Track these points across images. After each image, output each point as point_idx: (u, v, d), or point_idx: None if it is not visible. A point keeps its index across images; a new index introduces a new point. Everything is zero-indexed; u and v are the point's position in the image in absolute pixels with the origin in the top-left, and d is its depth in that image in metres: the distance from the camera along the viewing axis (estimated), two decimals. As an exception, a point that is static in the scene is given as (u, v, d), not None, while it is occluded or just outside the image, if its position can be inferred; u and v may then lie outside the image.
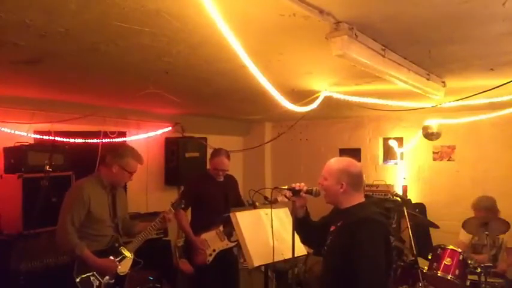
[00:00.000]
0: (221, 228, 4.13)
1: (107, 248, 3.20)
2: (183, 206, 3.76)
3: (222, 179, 4.28)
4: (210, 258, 4.06)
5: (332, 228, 2.39)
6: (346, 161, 2.46)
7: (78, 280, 3.00)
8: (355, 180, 2.35)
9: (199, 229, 4.12)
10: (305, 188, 2.53)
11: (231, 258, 4.35)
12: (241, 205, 4.41)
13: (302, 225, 2.60)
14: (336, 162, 2.44)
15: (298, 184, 2.55)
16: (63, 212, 3.08)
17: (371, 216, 2.28)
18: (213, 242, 4.10)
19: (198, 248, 4.04)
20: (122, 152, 3.28)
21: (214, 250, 4.08)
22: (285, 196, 2.60)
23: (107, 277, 3.15)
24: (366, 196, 2.46)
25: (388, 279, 2.30)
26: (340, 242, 2.27)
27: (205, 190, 4.17)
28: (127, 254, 3.29)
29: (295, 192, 2.54)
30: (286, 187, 2.59)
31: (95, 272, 3.08)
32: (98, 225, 3.15)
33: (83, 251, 3.01)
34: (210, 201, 4.14)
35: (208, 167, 4.42)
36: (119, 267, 3.24)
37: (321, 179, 2.42)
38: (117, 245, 3.26)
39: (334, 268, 2.28)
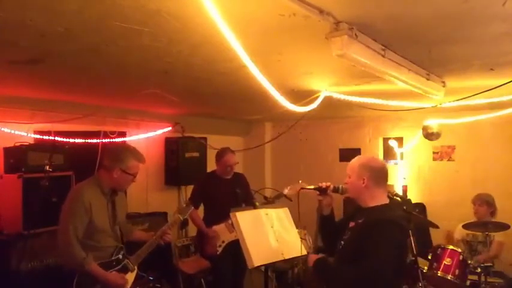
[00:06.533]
0: (230, 221, 4.17)
1: (111, 260, 2.95)
2: (189, 213, 3.84)
3: (229, 176, 4.45)
4: (220, 249, 4.26)
5: (351, 224, 2.41)
6: (368, 156, 2.56)
7: None
8: (376, 174, 2.37)
9: (210, 225, 4.35)
10: (332, 186, 2.58)
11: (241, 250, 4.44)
12: (250, 203, 4.45)
13: (327, 223, 2.65)
14: (357, 159, 2.49)
15: (324, 183, 2.60)
16: (64, 223, 2.80)
17: (394, 219, 2.28)
18: (222, 233, 4.30)
19: (210, 237, 4.27)
20: (122, 154, 2.99)
21: (223, 241, 4.29)
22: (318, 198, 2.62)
23: None
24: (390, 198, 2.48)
25: (398, 282, 2.34)
26: (358, 238, 2.28)
27: (212, 189, 4.38)
28: (131, 267, 3.05)
29: (322, 191, 2.59)
30: (312, 187, 2.64)
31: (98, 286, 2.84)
32: (99, 235, 2.89)
33: (91, 264, 2.77)
34: (217, 199, 4.31)
35: (215, 167, 4.55)
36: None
37: (346, 177, 2.47)
38: (121, 257, 3.01)
39: (351, 262, 2.27)
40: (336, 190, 2.57)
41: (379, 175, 2.38)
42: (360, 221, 2.35)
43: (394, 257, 2.20)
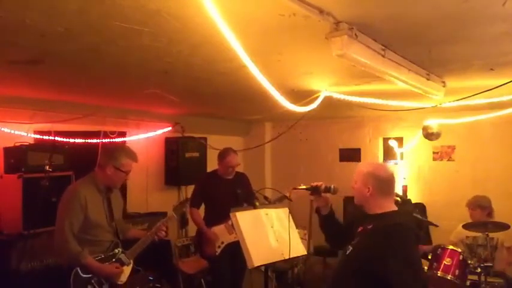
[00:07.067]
0: (230, 222, 4.17)
1: (107, 254, 3.06)
2: (184, 209, 3.84)
3: (231, 176, 4.44)
4: (219, 250, 4.25)
5: (360, 229, 2.35)
6: (375, 164, 2.49)
7: None
8: (382, 184, 2.32)
9: (210, 225, 4.34)
10: (323, 186, 2.54)
11: (241, 251, 4.45)
12: (251, 203, 4.45)
13: (327, 223, 2.60)
14: (365, 165, 2.43)
15: (316, 182, 2.57)
16: (60, 219, 2.91)
17: (404, 223, 2.26)
18: (222, 234, 4.29)
19: (209, 239, 4.25)
20: (115, 152, 3.13)
21: (222, 242, 4.27)
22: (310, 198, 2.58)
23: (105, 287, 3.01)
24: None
25: None
26: (368, 243, 2.22)
27: (213, 189, 4.37)
28: (127, 261, 3.15)
29: (314, 191, 2.56)
30: (304, 187, 2.61)
31: (93, 281, 2.94)
32: (96, 230, 3.00)
33: (87, 258, 2.89)
34: (218, 199, 4.29)
35: (215, 167, 4.55)
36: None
37: (353, 182, 2.41)
38: (117, 251, 3.12)
39: (359, 268, 2.22)
40: (327, 190, 2.54)
41: (384, 185, 2.33)
42: (369, 226, 2.30)
43: (415, 258, 2.17)
